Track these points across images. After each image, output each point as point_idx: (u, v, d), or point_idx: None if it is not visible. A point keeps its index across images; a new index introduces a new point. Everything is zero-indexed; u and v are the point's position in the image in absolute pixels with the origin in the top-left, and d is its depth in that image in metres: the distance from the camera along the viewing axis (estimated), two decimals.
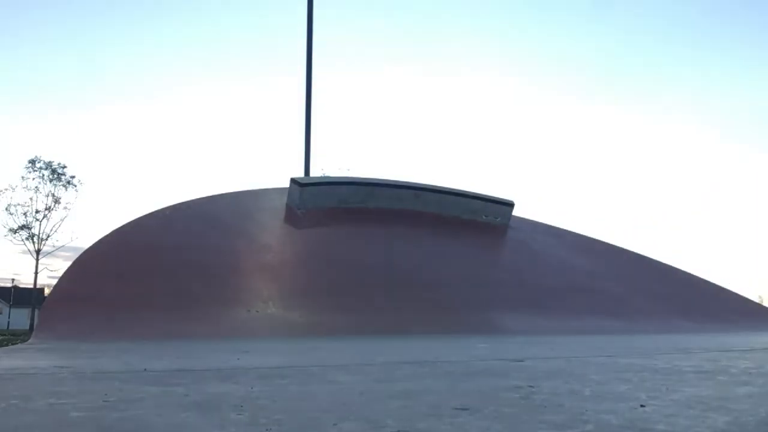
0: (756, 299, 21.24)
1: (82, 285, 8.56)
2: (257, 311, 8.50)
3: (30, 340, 7.37)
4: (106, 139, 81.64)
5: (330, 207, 12.48)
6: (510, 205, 14.10)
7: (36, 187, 38.16)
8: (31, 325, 32.04)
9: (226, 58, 78.15)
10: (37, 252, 37.74)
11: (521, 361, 3.47)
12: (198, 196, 12.58)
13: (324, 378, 2.50)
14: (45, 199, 38.18)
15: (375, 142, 73.95)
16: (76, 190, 39.25)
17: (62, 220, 38.76)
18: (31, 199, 38.04)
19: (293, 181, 12.65)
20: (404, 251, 11.48)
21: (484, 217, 13.67)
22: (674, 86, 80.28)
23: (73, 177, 39.40)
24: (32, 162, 38.61)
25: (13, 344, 7.61)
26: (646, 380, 2.29)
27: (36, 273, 37.85)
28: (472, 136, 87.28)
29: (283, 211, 12.49)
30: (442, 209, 13.29)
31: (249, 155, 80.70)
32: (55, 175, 38.87)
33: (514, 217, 14.22)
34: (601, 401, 1.78)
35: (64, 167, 39.32)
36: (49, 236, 38.00)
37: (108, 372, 2.98)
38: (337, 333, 7.68)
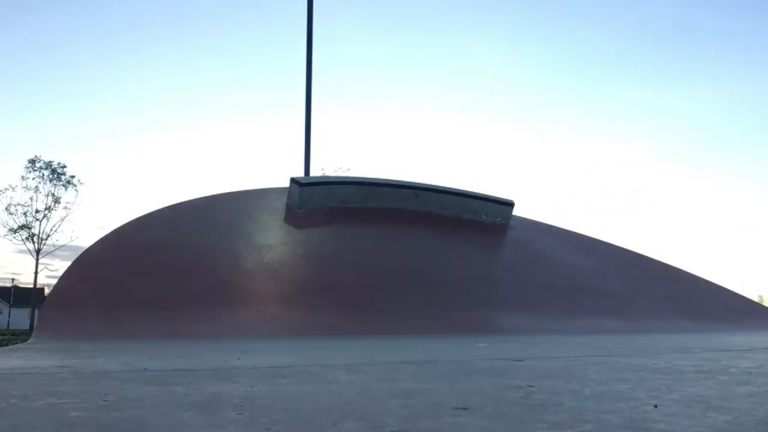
0: (756, 299, 21.25)
1: (82, 285, 8.56)
2: (257, 310, 8.50)
3: (30, 340, 7.37)
4: (106, 139, 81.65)
5: (330, 207, 12.48)
6: (510, 204, 14.09)
7: (36, 187, 38.17)
8: (31, 325, 32.03)
9: (225, 58, 78.15)
10: (37, 252, 37.72)
11: (521, 360, 3.47)
12: (198, 196, 12.58)
13: (324, 378, 2.50)
14: (45, 199, 38.18)
15: (375, 142, 73.99)
16: (76, 190, 39.24)
17: (62, 220, 38.76)
18: (31, 199, 38.03)
19: (293, 181, 12.66)
20: (404, 251, 11.48)
21: (484, 216, 13.67)
22: (674, 80, 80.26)
23: (73, 177, 39.40)
24: (32, 162, 38.61)
25: (13, 344, 7.61)
26: (646, 380, 2.29)
27: (36, 273, 37.84)
28: (472, 136, 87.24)
29: (283, 211, 12.49)
30: (442, 209, 13.29)
31: (249, 155, 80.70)
32: (55, 175, 38.86)
33: (514, 216, 14.22)
34: (601, 401, 1.78)
35: (64, 167, 39.32)
36: (49, 236, 38.00)
37: (108, 372, 2.98)
38: (338, 333, 7.68)
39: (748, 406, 1.70)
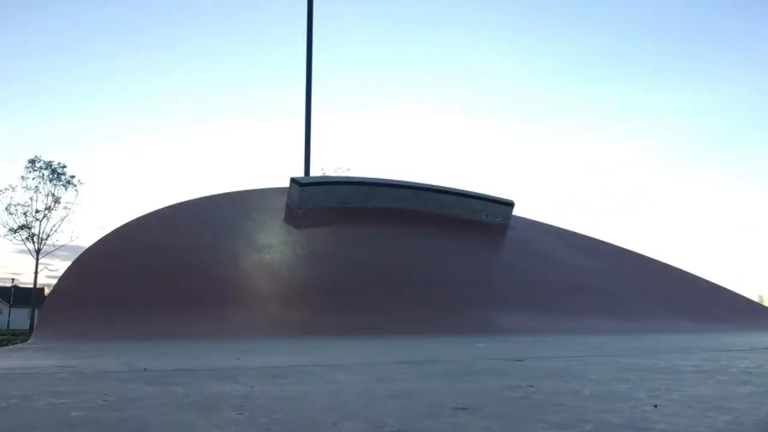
0: (756, 299, 21.25)
1: (82, 285, 8.56)
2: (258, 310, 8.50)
3: (30, 340, 7.37)
4: (106, 139, 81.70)
5: (330, 207, 12.48)
6: (510, 204, 14.09)
7: (36, 187, 38.19)
8: (31, 325, 32.07)
9: (225, 58, 78.17)
10: (37, 252, 37.73)
11: (521, 360, 3.47)
12: (198, 196, 12.59)
13: (324, 378, 2.50)
14: (45, 199, 38.20)
15: (375, 142, 74.07)
16: (76, 190, 39.26)
17: (62, 220, 38.76)
18: (31, 198, 38.05)
19: (293, 180, 12.65)
20: (404, 251, 11.48)
21: (484, 216, 13.67)
22: (674, 80, 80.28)
23: (73, 177, 39.40)
24: (32, 162, 38.62)
25: (13, 344, 7.61)
26: (646, 380, 2.29)
27: (36, 273, 37.85)
28: (472, 136, 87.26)
29: (283, 211, 12.49)
30: (442, 209, 13.29)
31: (249, 155, 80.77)
32: (55, 175, 38.87)
33: (514, 216, 14.22)
34: (601, 401, 1.78)
35: (64, 167, 39.33)
36: (49, 236, 38.02)
37: (108, 372, 2.98)
38: (338, 333, 7.68)
39: (748, 406, 1.70)
